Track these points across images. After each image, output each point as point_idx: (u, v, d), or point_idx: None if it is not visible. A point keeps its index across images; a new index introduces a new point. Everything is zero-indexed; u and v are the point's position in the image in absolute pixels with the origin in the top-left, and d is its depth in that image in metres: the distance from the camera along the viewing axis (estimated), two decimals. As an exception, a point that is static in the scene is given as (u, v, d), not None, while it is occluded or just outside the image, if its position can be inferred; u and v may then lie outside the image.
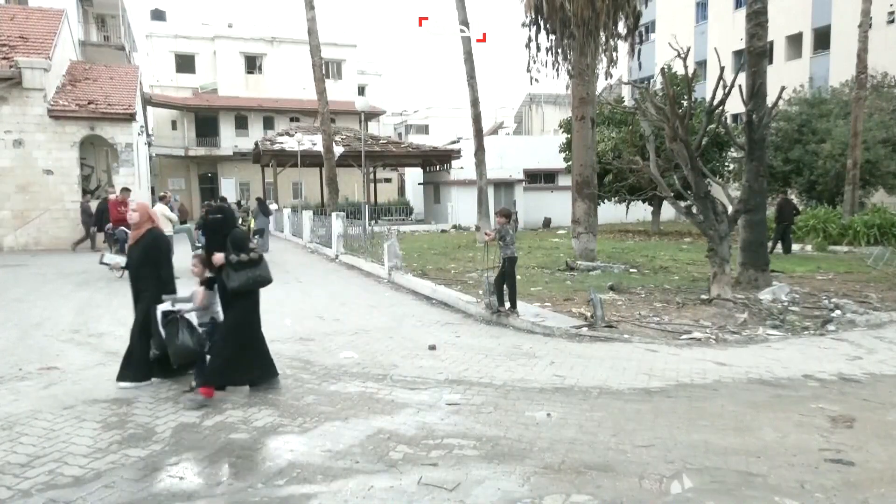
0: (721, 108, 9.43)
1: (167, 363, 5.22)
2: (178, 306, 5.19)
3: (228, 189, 39.79)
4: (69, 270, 12.84)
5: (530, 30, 13.78)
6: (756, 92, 10.10)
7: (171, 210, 15.55)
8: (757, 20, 10.12)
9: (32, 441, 4.17)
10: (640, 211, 29.27)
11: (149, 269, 5.42)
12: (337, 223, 16.69)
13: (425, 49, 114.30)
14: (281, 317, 8.72)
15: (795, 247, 17.09)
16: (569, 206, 14.80)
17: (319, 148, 25.06)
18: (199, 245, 13.90)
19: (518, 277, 11.78)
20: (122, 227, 12.49)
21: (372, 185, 34.04)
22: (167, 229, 12.86)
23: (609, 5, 12.49)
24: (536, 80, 14.32)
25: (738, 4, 33.09)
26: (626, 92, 34.64)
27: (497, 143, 33.47)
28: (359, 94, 40.78)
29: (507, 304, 8.17)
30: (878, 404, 4.88)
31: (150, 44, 41.52)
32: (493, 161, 26.15)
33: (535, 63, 13.92)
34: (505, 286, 8.13)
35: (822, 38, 30.60)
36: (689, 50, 10.00)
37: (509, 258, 8.09)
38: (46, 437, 4.24)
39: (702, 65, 32.40)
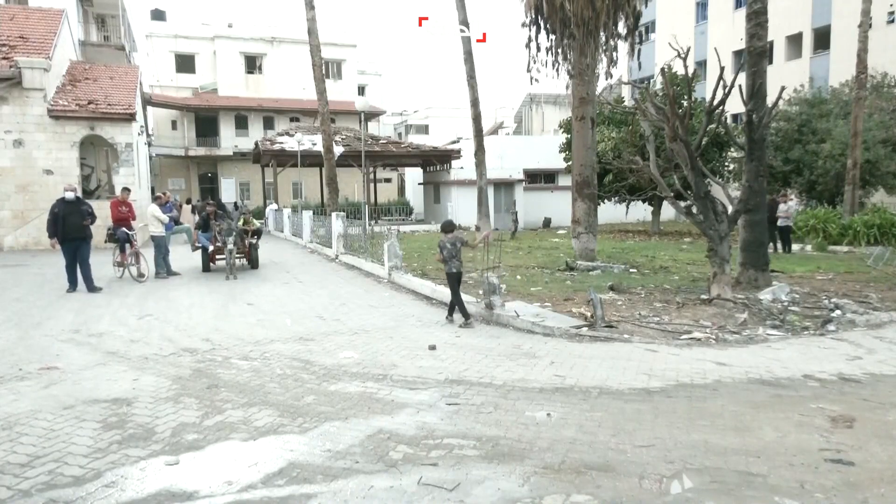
0: (721, 108, 9.43)
1: None
2: None
3: (228, 189, 39.83)
4: (69, 270, 12.84)
5: (530, 30, 13.79)
6: (756, 92, 10.10)
7: (170, 210, 15.54)
8: (757, 20, 10.12)
9: (32, 441, 4.17)
10: (640, 211, 29.27)
11: None
12: (337, 223, 16.68)
13: (425, 49, 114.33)
14: (281, 316, 8.73)
15: (795, 247, 17.09)
16: (569, 206, 14.80)
17: (319, 148, 25.05)
18: (199, 245, 13.93)
19: (518, 277, 11.83)
20: (123, 228, 12.48)
21: (372, 185, 34.06)
22: (157, 229, 12.95)
23: (609, 5, 12.49)
24: (536, 80, 14.33)
25: (738, 4, 33.09)
26: (626, 92, 34.63)
27: (497, 143, 33.48)
28: (359, 94, 40.83)
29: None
30: (878, 404, 4.88)
31: (150, 44, 41.52)
32: (493, 161, 26.16)
33: (535, 63, 13.93)
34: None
35: (822, 38, 30.60)
36: (689, 50, 9.99)
37: (448, 273, 8.24)
38: (46, 437, 4.25)
39: (702, 65, 32.42)
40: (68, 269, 10.90)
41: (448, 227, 8.46)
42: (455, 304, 8.30)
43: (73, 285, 10.89)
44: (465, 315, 8.15)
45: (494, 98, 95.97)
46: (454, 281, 8.20)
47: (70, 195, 11.09)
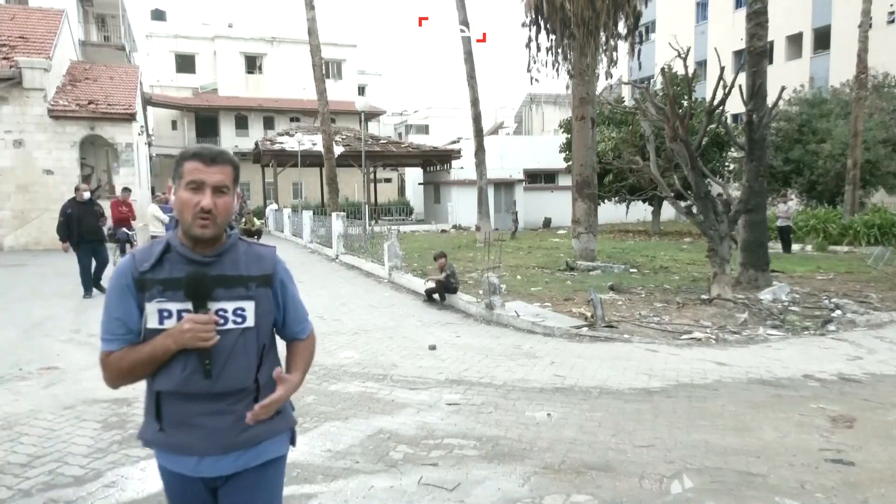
0: (721, 108, 9.43)
1: None
2: None
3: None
4: (69, 270, 12.82)
5: (530, 30, 13.80)
6: (756, 92, 10.10)
7: (171, 210, 15.50)
8: (757, 20, 10.12)
9: (32, 441, 4.17)
10: (640, 211, 29.25)
11: None
12: (337, 223, 16.68)
13: (425, 49, 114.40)
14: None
15: (795, 247, 17.09)
16: (569, 206, 14.80)
17: (319, 148, 25.06)
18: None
19: (518, 277, 11.84)
20: (123, 228, 12.47)
21: (372, 185, 34.05)
22: (157, 229, 12.93)
23: (609, 5, 12.49)
24: (536, 80, 14.38)
25: (738, 4, 33.09)
26: (626, 92, 34.61)
27: (497, 143, 33.45)
28: (359, 94, 40.80)
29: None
30: (878, 404, 4.88)
31: (150, 44, 41.51)
32: (493, 161, 26.14)
33: (535, 63, 13.94)
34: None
35: (822, 38, 30.60)
36: (689, 50, 10.00)
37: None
38: (46, 437, 4.24)
39: (702, 65, 32.42)
40: (84, 274, 10.22)
41: (441, 254, 9.93)
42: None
43: (88, 291, 10.23)
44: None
45: (494, 98, 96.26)
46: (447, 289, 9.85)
47: (86, 195, 10.53)
